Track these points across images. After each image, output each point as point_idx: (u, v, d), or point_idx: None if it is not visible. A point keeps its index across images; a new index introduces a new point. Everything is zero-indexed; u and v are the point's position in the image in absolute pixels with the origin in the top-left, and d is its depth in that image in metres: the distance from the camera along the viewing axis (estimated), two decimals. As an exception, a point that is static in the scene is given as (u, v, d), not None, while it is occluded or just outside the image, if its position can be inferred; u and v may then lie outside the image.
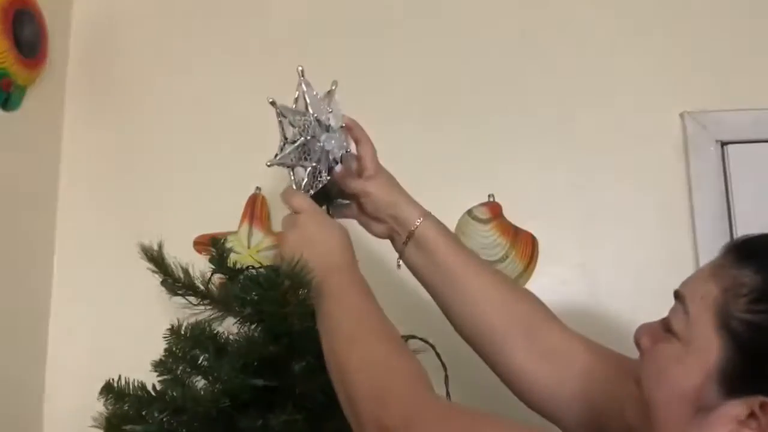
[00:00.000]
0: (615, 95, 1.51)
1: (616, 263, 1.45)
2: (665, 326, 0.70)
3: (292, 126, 0.99)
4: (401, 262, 1.03)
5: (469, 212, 1.46)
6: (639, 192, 1.47)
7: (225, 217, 1.49)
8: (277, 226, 1.49)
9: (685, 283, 0.71)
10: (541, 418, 0.93)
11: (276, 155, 0.99)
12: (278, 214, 1.48)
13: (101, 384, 0.97)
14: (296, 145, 0.98)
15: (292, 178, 1.01)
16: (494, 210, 1.46)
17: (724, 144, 1.45)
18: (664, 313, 0.74)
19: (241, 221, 1.49)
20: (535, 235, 1.46)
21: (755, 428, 0.62)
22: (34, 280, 1.48)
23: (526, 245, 1.44)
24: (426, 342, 1.06)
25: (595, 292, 1.44)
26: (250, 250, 1.46)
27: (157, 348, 1.00)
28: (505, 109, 1.52)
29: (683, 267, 1.41)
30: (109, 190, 1.56)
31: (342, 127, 1.03)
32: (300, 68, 1.00)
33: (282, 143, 1.00)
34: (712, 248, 1.36)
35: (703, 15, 1.52)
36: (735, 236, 1.35)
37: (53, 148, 1.55)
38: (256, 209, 1.49)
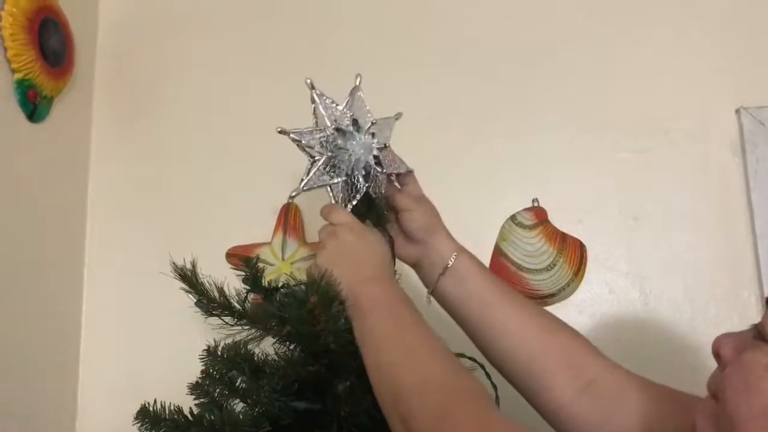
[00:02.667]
0: (666, 91, 1.43)
1: (668, 269, 1.37)
2: (757, 333, 0.63)
3: (311, 147, 0.95)
4: (431, 298, 1.00)
5: (513, 218, 1.39)
6: (692, 193, 1.39)
7: (258, 228, 1.44)
8: (311, 235, 1.44)
9: None
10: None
11: (301, 181, 0.95)
12: (312, 223, 1.43)
13: (134, 405, 0.93)
14: (320, 164, 0.94)
15: (331, 194, 0.97)
16: (540, 215, 1.39)
17: (784, 140, 1.37)
18: (721, 322, 0.68)
19: (275, 232, 1.44)
20: (582, 240, 1.38)
21: None
22: (63, 295, 1.45)
23: (574, 252, 1.36)
24: (475, 361, 1.02)
25: (646, 300, 1.36)
26: (285, 262, 1.41)
27: (192, 368, 0.96)
28: (549, 110, 1.45)
29: (742, 271, 1.35)
30: (140, 202, 1.52)
31: (373, 122, 0.99)
32: (309, 80, 0.97)
33: (309, 165, 0.96)
34: None
35: (759, 6, 1.44)
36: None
37: (81, 159, 1.52)
38: (289, 219, 1.44)
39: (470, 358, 0.99)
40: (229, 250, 1.42)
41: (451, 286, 0.97)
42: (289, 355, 0.89)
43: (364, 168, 0.97)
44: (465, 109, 1.47)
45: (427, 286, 1.00)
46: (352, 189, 0.96)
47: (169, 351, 1.40)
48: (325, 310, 0.83)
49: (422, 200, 1.00)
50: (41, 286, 1.36)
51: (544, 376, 0.89)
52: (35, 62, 1.30)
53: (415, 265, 1.01)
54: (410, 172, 1.02)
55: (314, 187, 0.95)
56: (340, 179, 0.95)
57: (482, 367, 1.02)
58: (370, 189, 0.98)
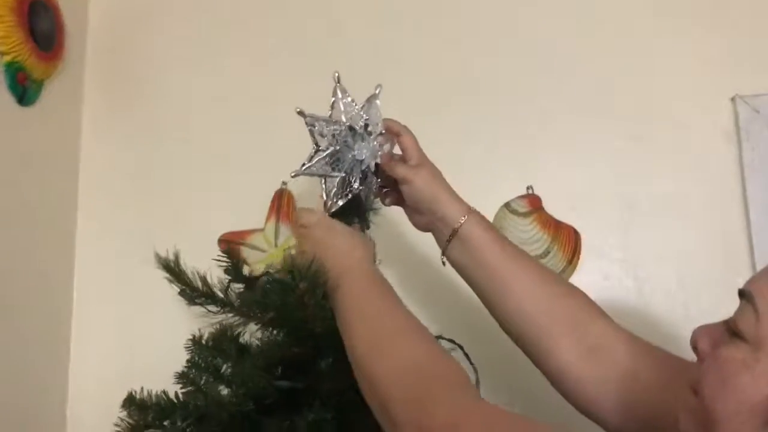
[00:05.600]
0: (661, 79, 1.42)
1: (662, 257, 1.36)
2: (730, 328, 0.62)
3: (322, 135, 0.97)
4: (445, 259, 1.00)
5: (507, 205, 1.39)
6: (687, 181, 1.38)
7: (250, 214, 1.43)
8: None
9: (752, 281, 0.63)
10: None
11: (303, 164, 0.97)
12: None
13: (125, 393, 0.95)
14: (325, 154, 0.97)
15: (324, 186, 1.00)
16: (534, 202, 1.38)
17: (780, 128, 1.37)
18: (715, 310, 0.67)
19: (267, 218, 1.43)
20: (576, 228, 1.38)
21: None
22: (54, 279, 1.44)
23: (568, 239, 1.36)
24: (455, 343, 1.04)
25: (640, 287, 1.36)
26: (277, 248, 1.41)
27: (181, 354, 0.97)
28: (543, 97, 1.44)
29: (736, 260, 1.35)
30: (131, 186, 1.51)
31: (382, 133, 1.02)
32: (336, 74, 0.99)
33: (312, 151, 0.98)
34: (767, 240, 1.31)
35: (755, -7, 1.43)
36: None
37: (72, 143, 1.51)
38: (282, 205, 1.43)
39: (449, 340, 1.01)
40: (222, 236, 1.41)
41: (458, 251, 0.96)
42: (273, 339, 0.91)
43: (363, 171, 1.00)
44: (461, 97, 1.46)
45: (442, 251, 1.00)
46: (345, 187, 0.99)
47: (161, 338, 1.39)
48: (313, 296, 0.84)
49: (420, 168, 0.99)
50: (31, 272, 1.35)
51: (549, 339, 0.89)
52: (24, 45, 1.29)
53: (430, 231, 1.01)
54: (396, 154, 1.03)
55: (314, 174, 0.98)
56: (339, 175, 0.98)
57: (461, 347, 1.03)
58: (362, 193, 1.02)
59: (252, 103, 1.49)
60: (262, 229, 1.43)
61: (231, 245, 0.99)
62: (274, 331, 0.91)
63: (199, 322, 0.95)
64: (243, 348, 0.93)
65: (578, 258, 1.36)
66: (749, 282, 0.63)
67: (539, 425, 0.64)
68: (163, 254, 0.95)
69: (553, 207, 1.39)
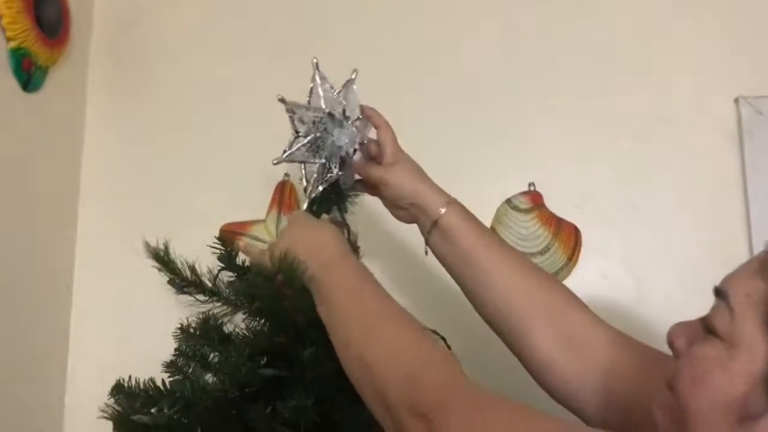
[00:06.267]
0: (664, 79, 1.42)
1: (662, 256, 1.37)
2: (705, 326, 0.63)
3: (302, 122, 0.99)
4: (428, 249, 1.01)
5: (509, 202, 1.39)
6: (689, 181, 1.39)
7: (253, 204, 1.44)
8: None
9: (727, 279, 0.64)
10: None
11: (284, 151, 0.99)
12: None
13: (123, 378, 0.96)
14: (305, 141, 0.98)
15: (304, 171, 1.02)
16: (535, 199, 1.39)
17: (782, 130, 1.37)
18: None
19: (269, 209, 1.43)
20: (577, 225, 1.38)
21: None
22: (55, 266, 1.44)
23: (569, 237, 1.36)
24: (437, 334, 1.04)
25: (639, 286, 1.36)
26: (279, 239, 1.41)
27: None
28: (546, 94, 1.44)
29: (736, 261, 1.34)
30: (135, 173, 1.51)
31: (359, 118, 1.03)
32: (315, 60, 1.00)
33: (292, 139, 1.00)
34: None
35: (759, -6, 1.43)
36: (793, 229, 1.28)
37: (76, 129, 1.51)
38: (284, 196, 1.44)
39: (432, 331, 1.01)
40: (224, 226, 1.41)
41: (439, 241, 0.97)
42: (259, 328, 0.93)
43: (342, 157, 1.01)
44: (463, 94, 1.46)
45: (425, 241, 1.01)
46: (325, 173, 1.01)
47: (160, 327, 1.40)
48: (291, 288, 0.86)
49: (394, 166, 1.00)
50: (32, 259, 1.35)
51: (527, 329, 0.90)
52: (30, 31, 1.29)
53: (414, 223, 1.02)
54: (372, 140, 1.04)
55: (294, 161, 1.01)
56: (319, 161, 1.00)
57: (444, 339, 1.03)
58: (341, 178, 1.03)
59: (255, 93, 1.48)
60: (263, 221, 1.43)
61: (231, 236, 1.01)
62: (262, 321, 0.93)
63: (198, 311, 0.96)
64: (227, 337, 0.94)
65: (578, 255, 1.36)
66: (724, 280, 0.64)
67: (526, 407, 0.65)
68: (158, 244, 0.96)
69: (554, 204, 1.40)
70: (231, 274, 0.98)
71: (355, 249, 1.06)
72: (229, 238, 1.02)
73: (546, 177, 1.41)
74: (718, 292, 0.63)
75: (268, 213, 1.43)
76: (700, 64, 1.42)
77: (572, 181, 1.41)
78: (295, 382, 0.90)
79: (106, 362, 1.40)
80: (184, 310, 1.00)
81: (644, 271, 1.37)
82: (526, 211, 1.38)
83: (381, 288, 0.87)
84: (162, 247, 0.95)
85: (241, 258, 1.00)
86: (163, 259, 0.95)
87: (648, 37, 1.44)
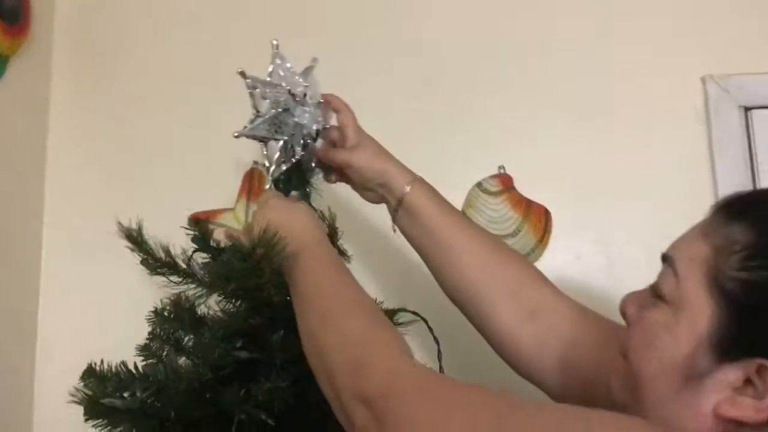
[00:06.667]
0: (632, 58, 1.42)
1: (633, 236, 1.37)
2: (653, 292, 0.65)
3: (264, 98, 0.98)
4: (395, 227, 1.01)
5: (479, 185, 1.39)
6: (657, 160, 1.39)
7: (222, 193, 1.42)
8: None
9: (673, 245, 0.67)
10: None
11: (245, 126, 0.98)
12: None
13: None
14: (267, 117, 0.97)
15: (265, 152, 1.00)
16: (505, 182, 1.39)
17: (747, 109, 1.38)
18: None
19: (238, 197, 1.42)
20: (548, 208, 1.38)
21: (752, 395, 0.57)
22: (21, 253, 1.42)
23: (539, 219, 1.36)
24: (417, 315, 1.05)
25: (611, 266, 1.37)
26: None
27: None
28: (515, 77, 1.44)
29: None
30: (99, 162, 1.49)
31: (320, 103, 1.01)
32: (275, 42, 0.99)
33: (253, 115, 0.98)
34: None
35: (726, -28, 1.43)
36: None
37: (40, 118, 1.49)
38: (253, 185, 1.42)
39: (413, 312, 1.02)
40: (192, 215, 1.40)
41: (405, 220, 0.98)
42: (234, 311, 0.92)
43: (303, 138, 1.00)
44: (433, 77, 1.45)
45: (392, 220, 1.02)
46: (288, 153, 1.00)
47: (133, 312, 1.38)
48: (270, 263, 0.84)
49: (357, 149, 1.00)
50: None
51: (490, 304, 0.91)
52: (-11, 19, 1.26)
53: (382, 202, 1.02)
54: (334, 126, 1.04)
55: (256, 137, 0.99)
56: (281, 138, 0.99)
57: (425, 321, 1.04)
58: (304, 159, 1.02)
59: (223, 78, 1.46)
60: (232, 209, 1.42)
61: (192, 220, 1.01)
62: (237, 302, 0.91)
63: (171, 293, 0.95)
64: (200, 319, 0.93)
65: (549, 237, 1.36)
66: (671, 247, 0.66)
67: (474, 388, 0.65)
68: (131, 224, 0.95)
69: (525, 187, 1.40)
70: (205, 255, 0.96)
71: (333, 231, 1.05)
72: (202, 220, 1.00)
73: (516, 160, 1.41)
74: (665, 258, 0.66)
75: (237, 201, 1.42)
76: (668, 43, 1.42)
77: (542, 163, 1.41)
78: (270, 365, 0.89)
79: (75, 347, 1.38)
80: (158, 293, 0.99)
81: (616, 249, 1.37)
82: (496, 194, 1.38)
83: (348, 277, 0.87)
84: (135, 227, 0.94)
85: (216, 240, 0.99)
86: (136, 239, 0.93)
87: (614, 16, 1.44)
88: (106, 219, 1.38)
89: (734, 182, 1.34)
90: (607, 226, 1.38)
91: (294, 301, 0.86)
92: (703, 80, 1.39)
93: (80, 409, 0.90)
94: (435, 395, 0.65)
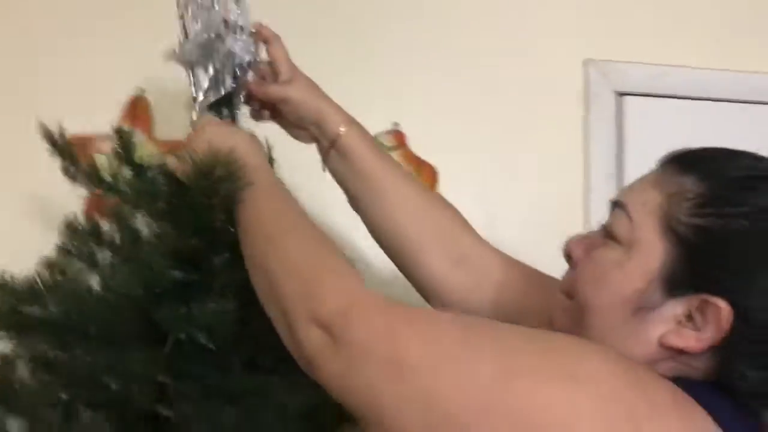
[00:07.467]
0: (521, 37, 1.49)
1: (512, 199, 1.46)
2: (605, 233, 0.70)
3: (195, 22, 0.91)
4: (325, 167, 1.00)
5: (374, 138, 1.39)
6: (538, 134, 1.47)
7: (101, 117, 1.30)
8: (160, 132, 1.34)
9: (624, 193, 0.71)
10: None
11: (174, 51, 0.92)
12: (164, 120, 1.34)
13: None
14: (198, 41, 0.91)
15: (191, 80, 0.94)
16: (399, 138, 1.42)
17: (621, 95, 1.49)
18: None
19: (119, 123, 1.32)
20: (437, 169, 1.43)
21: (692, 328, 0.63)
22: None
23: (428, 177, 1.42)
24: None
25: (490, 225, 1.42)
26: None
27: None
28: (412, 38, 1.46)
29: (573, 207, 1.47)
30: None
31: (252, 32, 0.96)
32: None
33: (182, 39, 0.92)
34: (602, 194, 1.42)
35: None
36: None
37: None
38: (138, 111, 1.33)
39: None
40: (70, 138, 1.28)
41: (336, 161, 0.97)
42: (166, 231, 0.85)
43: (235, 68, 0.94)
44: (333, 27, 1.44)
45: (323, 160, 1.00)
46: (218, 84, 0.94)
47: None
48: (229, 183, 0.80)
49: (293, 83, 0.96)
50: None
51: (419, 249, 0.93)
52: None
53: (313, 142, 1.00)
54: (264, 61, 0.99)
55: (186, 61, 0.93)
56: (212, 66, 0.92)
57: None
58: (234, 91, 0.96)
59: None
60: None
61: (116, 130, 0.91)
62: (164, 223, 0.86)
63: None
64: (135, 235, 0.87)
65: (436, 195, 1.40)
66: (622, 194, 0.71)
67: (430, 309, 0.68)
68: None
69: (416, 146, 1.43)
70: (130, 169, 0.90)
71: (270, 161, 1.01)
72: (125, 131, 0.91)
73: (409, 119, 1.43)
74: (617, 204, 0.70)
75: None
76: (551, 25, 1.49)
77: (434, 125, 1.44)
78: (206, 288, 0.85)
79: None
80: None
81: (496, 210, 1.42)
82: (390, 149, 1.40)
83: (293, 202, 0.84)
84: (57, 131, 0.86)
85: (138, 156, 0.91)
86: (60, 146, 0.86)
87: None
88: None
89: (605, 165, 1.46)
90: (489, 188, 1.46)
91: (239, 227, 0.83)
92: (585, 63, 1.49)
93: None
94: (397, 312, 0.66)
